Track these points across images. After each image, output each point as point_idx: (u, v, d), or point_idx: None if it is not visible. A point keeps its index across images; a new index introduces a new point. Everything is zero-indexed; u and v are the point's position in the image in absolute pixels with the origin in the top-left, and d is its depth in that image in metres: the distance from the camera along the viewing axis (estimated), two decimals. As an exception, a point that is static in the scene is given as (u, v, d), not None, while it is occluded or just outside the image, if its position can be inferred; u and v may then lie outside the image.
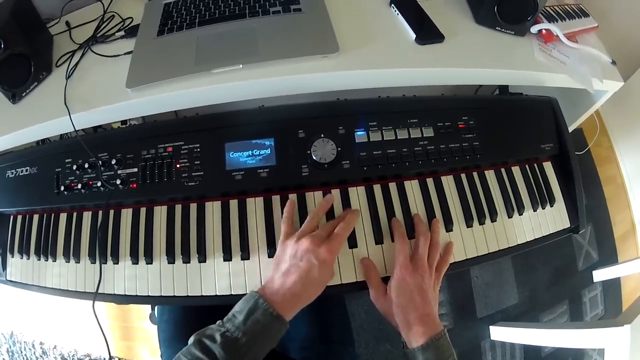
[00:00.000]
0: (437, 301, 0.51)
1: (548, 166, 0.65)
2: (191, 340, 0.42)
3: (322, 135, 0.55)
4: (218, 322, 0.43)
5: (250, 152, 0.55)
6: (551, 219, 0.62)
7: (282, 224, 0.51)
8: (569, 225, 0.63)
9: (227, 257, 0.53)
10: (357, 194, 0.57)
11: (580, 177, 0.63)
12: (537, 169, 0.64)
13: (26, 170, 0.61)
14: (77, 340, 1.22)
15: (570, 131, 0.67)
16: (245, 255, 0.53)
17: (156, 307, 0.77)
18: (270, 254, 0.53)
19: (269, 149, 0.55)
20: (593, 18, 0.74)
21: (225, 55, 0.57)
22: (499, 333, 1.17)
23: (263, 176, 0.54)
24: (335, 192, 0.56)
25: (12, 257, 0.64)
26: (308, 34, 0.60)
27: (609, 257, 1.35)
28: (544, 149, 0.63)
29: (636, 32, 1.03)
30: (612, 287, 1.33)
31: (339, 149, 0.55)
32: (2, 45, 0.55)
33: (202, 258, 0.54)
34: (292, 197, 0.56)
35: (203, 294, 0.53)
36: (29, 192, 0.61)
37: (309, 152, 0.55)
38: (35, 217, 0.63)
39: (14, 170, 0.62)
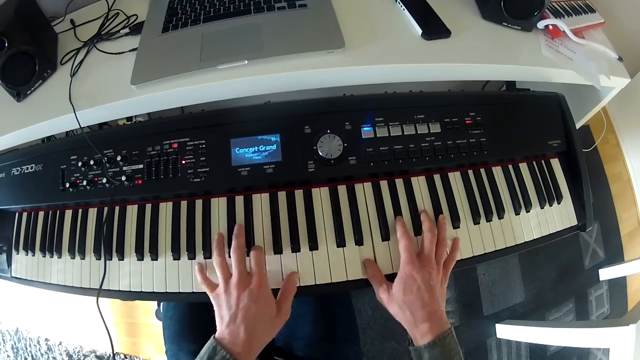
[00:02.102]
0: (444, 298, 0.51)
1: (555, 163, 0.64)
2: None
3: (329, 131, 0.55)
4: None
5: (256, 148, 0.55)
6: (558, 216, 0.61)
7: (202, 284, 0.51)
8: (576, 223, 0.62)
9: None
10: (363, 190, 0.56)
11: (588, 175, 0.62)
12: (544, 165, 0.63)
13: (31, 168, 0.62)
14: (82, 337, 1.22)
15: (577, 128, 0.67)
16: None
17: (162, 304, 0.77)
18: (276, 250, 0.53)
19: (275, 145, 0.55)
20: (599, 14, 0.74)
21: (230, 52, 0.57)
22: (504, 331, 1.17)
23: (269, 172, 0.54)
24: (341, 189, 0.56)
25: (17, 253, 0.64)
26: (313, 29, 0.60)
27: (616, 255, 1.34)
28: (552, 145, 0.63)
29: (643, 28, 1.02)
30: (618, 285, 1.33)
31: (346, 144, 0.55)
32: (7, 44, 0.55)
33: (208, 254, 0.53)
34: (299, 195, 0.55)
35: (209, 291, 0.52)
36: (34, 189, 0.61)
37: (315, 147, 0.55)
38: (41, 214, 0.64)
39: (19, 168, 0.62)
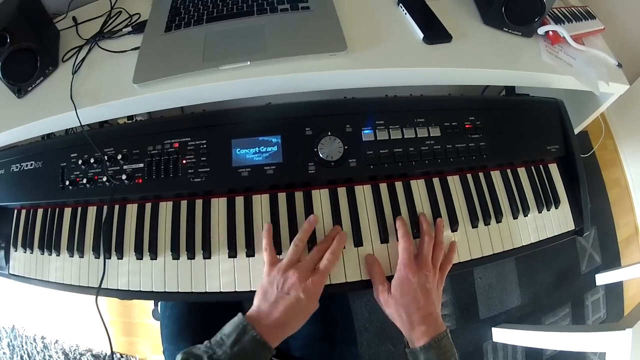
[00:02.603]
0: (440, 301, 0.51)
1: (554, 168, 0.65)
2: (178, 357, 0.42)
3: (329, 133, 0.55)
4: (206, 342, 0.44)
5: (257, 149, 0.55)
6: (556, 221, 0.62)
7: (264, 251, 0.50)
8: (573, 228, 0.63)
9: (232, 253, 0.53)
10: (363, 193, 0.57)
11: (585, 180, 0.63)
12: (542, 170, 0.64)
13: (31, 165, 0.61)
14: (78, 335, 1.22)
15: (576, 133, 0.67)
16: (251, 252, 0.53)
17: (159, 303, 0.77)
18: (276, 251, 0.53)
19: (276, 146, 0.55)
20: (599, 20, 0.74)
21: (233, 52, 0.57)
22: (501, 335, 1.17)
23: (269, 173, 0.54)
24: (341, 191, 0.56)
25: (16, 251, 0.64)
26: (316, 32, 0.60)
27: (612, 260, 1.35)
28: (550, 150, 0.63)
29: (642, 35, 1.03)
30: (615, 290, 1.33)
31: (346, 147, 0.55)
32: (9, 40, 0.55)
33: (207, 254, 0.54)
34: (299, 197, 0.56)
35: (207, 290, 0.53)
36: (34, 187, 0.61)
37: (315, 149, 0.55)
38: (40, 212, 0.63)
39: (18, 165, 0.62)
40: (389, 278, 0.52)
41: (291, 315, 0.45)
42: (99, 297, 0.54)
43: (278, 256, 0.51)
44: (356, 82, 0.59)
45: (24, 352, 1.23)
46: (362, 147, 0.56)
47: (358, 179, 0.57)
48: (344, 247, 0.53)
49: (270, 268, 0.49)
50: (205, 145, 0.56)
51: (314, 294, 0.47)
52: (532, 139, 0.63)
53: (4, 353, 1.24)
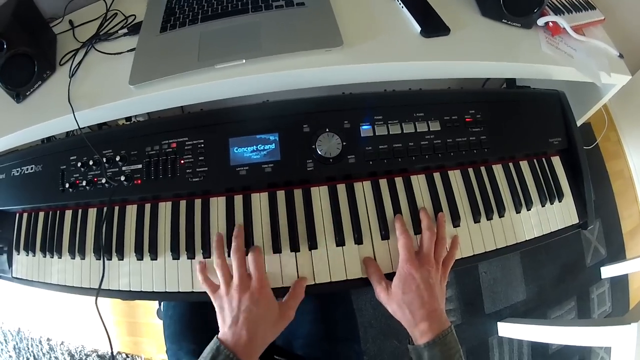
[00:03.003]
0: (444, 297, 0.51)
1: (556, 161, 0.64)
2: None
3: (327, 130, 0.55)
4: None
5: (254, 147, 0.54)
6: (559, 214, 0.61)
7: (203, 284, 0.51)
8: (577, 221, 0.62)
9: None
10: (362, 189, 0.56)
11: (589, 172, 0.62)
12: (545, 163, 0.63)
13: (31, 169, 0.62)
14: (84, 337, 1.23)
15: (578, 125, 0.66)
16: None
17: (162, 303, 0.78)
18: (275, 249, 0.53)
19: (274, 144, 0.55)
20: (600, 11, 0.73)
21: (228, 51, 0.57)
22: (506, 329, 1.17)
23: (267, 171, 0.54)
24: (341, 188, 0.56)
25: (18, 254, 0.65)
26: (311, 28, 0.59)
27: (617, 253, 1.34)
28: (552, 143, 0.62)
29: (644, 24, 1.01)
30: (620, 283, 1.32)
31: (344, 143, 0.55)
32: (5, 46, 0.55)
33: (207, 254, 0.53)
34: (297, 194, 0.55)
35: (208, 290, 0.52)
36: (34, 190, 0.61)
37: (313, 146, 0.54)
38: (41, 215, 0.64)
39: (19, 169, 0.62)
40: (392, 275, 0.51)
41: (253, 328, 0.46)
42: (103, 298, 0.54)
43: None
44: (353, 77, 0.58)
45: (30, 355, 1.24)
46: (361, 143, 0.55)
47: (357, 175, 0.56)
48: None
49: (213, 296, 0.50)
50: (202, 145, 0.55)
51: (264, 298, 0.48)
52: (534, 131, 0.62)
53: (10, 356, 1.25)
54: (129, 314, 1.23)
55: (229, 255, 0.51)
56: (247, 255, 0.51)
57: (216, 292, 0.50)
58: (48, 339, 1.25)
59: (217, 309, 0.49)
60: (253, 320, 0.46)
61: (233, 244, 0.51)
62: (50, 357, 1.23)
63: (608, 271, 1.29)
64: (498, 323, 1.19)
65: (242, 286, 0.48)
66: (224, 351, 0.44)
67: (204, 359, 0.45)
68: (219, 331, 0.48)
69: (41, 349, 1.24)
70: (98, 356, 1.20)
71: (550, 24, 0.65)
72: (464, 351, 0.48)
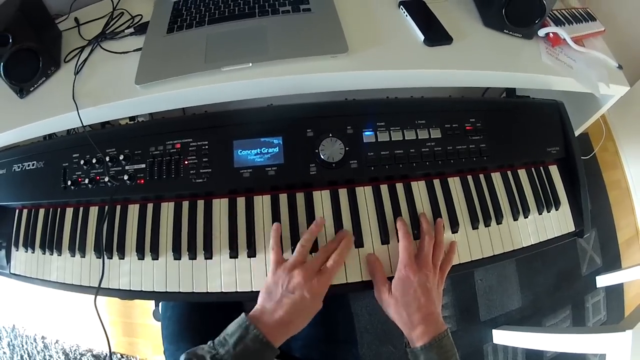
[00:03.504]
0: (440, 301, 0.51)
1: (554, 170, 0.65)
2: (182, 358, 0.42)
3: (330, 135, 0.55)
4: (209, 342, 0.44)
5: (258, 150, 0.55)
6: (556, 222, 0.62)
7: (271, 250, 0.50)
8: (573, 229, 0.63)
9: (234, 254, 0.53)
10: (364, 194, 0.57)
11: (586, 182, 0.63)
12: (543, 172, 0.64)
13: (33, 165, 0.62)
14: (79, 335, 1.22)
15: (576, 135, 0.67)
16: (252, 253, 0.53)
17: (160, 304, 0.77)
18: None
19: (277, 148, 0.55)
20: (600, 22, 0.75)
21: (234, 54, 0.57)
22: (501, 337, 1.17)
23: (271, 174, 0.54)
24: (342, 192, 0.57)
25: (17, 250, 0.64)
26: (317, 33, 0.60)
27: (613, 262, 1.35)
28: (550, 152, 0.63)
29: (643, 37, 1.03)
30: (615, 292, 1.33)
31: (347, 148, 0.55)
32: (11, 40, 0.55)
33: (209, 255, 0.54)
34: (300, 198, 0.56)
35: (208, 291, 0.53)
36: (35, 187, 0.61)
37: (317, 151, 0.55)
38: (41, 212, 0.64)
39: (20, 165, 0.62)
40: (390, 279, 0.52)
41: (295, 314, 0.45)
42: (99, 297, 0.54)
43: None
44: (357, 83, 0.59)
45: (24, 352, 1.23)
46: (363, 149, 0.56)
47: (359, 180, 0.57)
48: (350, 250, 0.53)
49: (276, 267, 0.49)
50: (206, 146, 0.56)
51: (319, 294, 0.47)
52: (533, 140, 0.63)
53: (4, 353, 1.24)
54: (125, 314, 1.22)
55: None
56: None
57: (280, 263, 0.49)
58: (43, 337, 1.24)
59: (269, 280, 0.48)
60: (298, 308, 0.45)
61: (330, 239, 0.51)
62: (45, 355, 1.22)
63: (603, 280, 1.30)
64: (493, 330, 1.19)
65: (310, 271, 0.47)
66: (254, 331, 0.42)
67: (230, 337, 0.43)
68: (226, 324, 0.45)
69: (35, 347, 1.23)
70: (93, 355, 1.19)
71: (551, 34, 0.66)
72: (459, 358, 0.48)
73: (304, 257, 0.49)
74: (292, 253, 0.50)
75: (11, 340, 1.25)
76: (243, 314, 0.45)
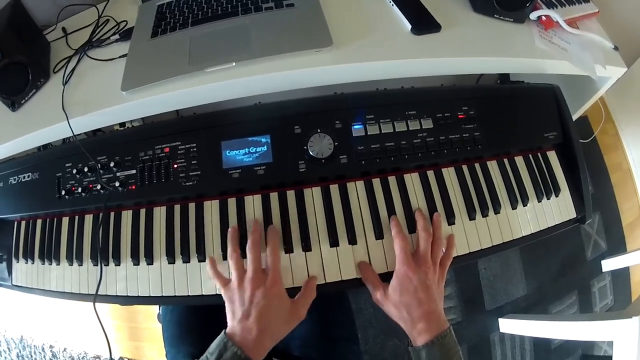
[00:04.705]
0: (442, 298, 0.51)
1: (552, 155, 0.63)
2: None
3: (319, 130, 0.55)
4: None
5: (246, 149, 0.55)
6: (556, 209, 0.61)
7: (213, 278, 0.50)
8: (575, 216, 0.61)
9: (226, 255, 0.53)
10: (355, 189, 0.56)
11: (585, 166, 0.62)
12: (541, 158, 0.63)
13: (28, 176, 0.62)
14: (86, 343, 1.23)
15: (574, 119, 0.66)
16: (244, 254, 0.53)
17: (161, 307, 0.78)
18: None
19: (266, 146, 0.55)
20: (593, 3, 0.73)
21: (218, 54, 0.57)
22: (508, 325, 1.16)
23: (260, 174, 0.54)
24: (334, 188, 0.56)
25: (17, 262, 0.65)
26: (301, 28, 0.59)
27: (618, 246, 1.33)
28: (548, 137, 0.62)
29: (638, 16, 1.01)
30: (621, 276, 1.31)
31: (336, 143, 0.55)
32: (0, 55, 0.55)
33: (202, 257, 0.54)
34: (290, 196, 0.55)
35: (203, 293, 0.53)
36: (32, 198, 0.61)
37: (305, 147, 0.54)
38: (39, 222, 0.64)
39: (16, 177, 0.63)
40: (387, 275, 0.51)
41: (264, 323, 0.45)
42: (104, 303, 0.54)
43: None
44: (344, 77, 0.58)
45: (33, 362, 1.25)
46: (353, 143, 0.55)
47: (350, 175, 0.56)
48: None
49: (224, 289, 0.49)
50: (195, 149, 0.55)
51: (277, 294, 0.47)
52: (529, 126, 0.62)
53: (13, 363, 1.26)
54: (130, 318, 1.23)
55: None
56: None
57: (227, 285, 0.49)
58: (51, 346, 1.26)
59: (227, 303, 0.48)
60: (265, 316, 0.45)
61: (250, 239, 0.50)
62: (53, 363, 1.23)
63: (609, 264, 1.28)
64: (499, 319, 1.18)
65: (256, 280, 0.47)
66: (232, 347, 0.43)
67: (211, 355, 0.44)
68: (226, 326, 0.47)
69: (44, 356, 1.24)
70: (100, 361, 1.20)
71: (543, 17, 0.65)
72: (466, 349, 0.48)
73: (242, 266, 0.49)
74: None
75: (20, 351, 1.27)
76: (223, 332, 0.45)
